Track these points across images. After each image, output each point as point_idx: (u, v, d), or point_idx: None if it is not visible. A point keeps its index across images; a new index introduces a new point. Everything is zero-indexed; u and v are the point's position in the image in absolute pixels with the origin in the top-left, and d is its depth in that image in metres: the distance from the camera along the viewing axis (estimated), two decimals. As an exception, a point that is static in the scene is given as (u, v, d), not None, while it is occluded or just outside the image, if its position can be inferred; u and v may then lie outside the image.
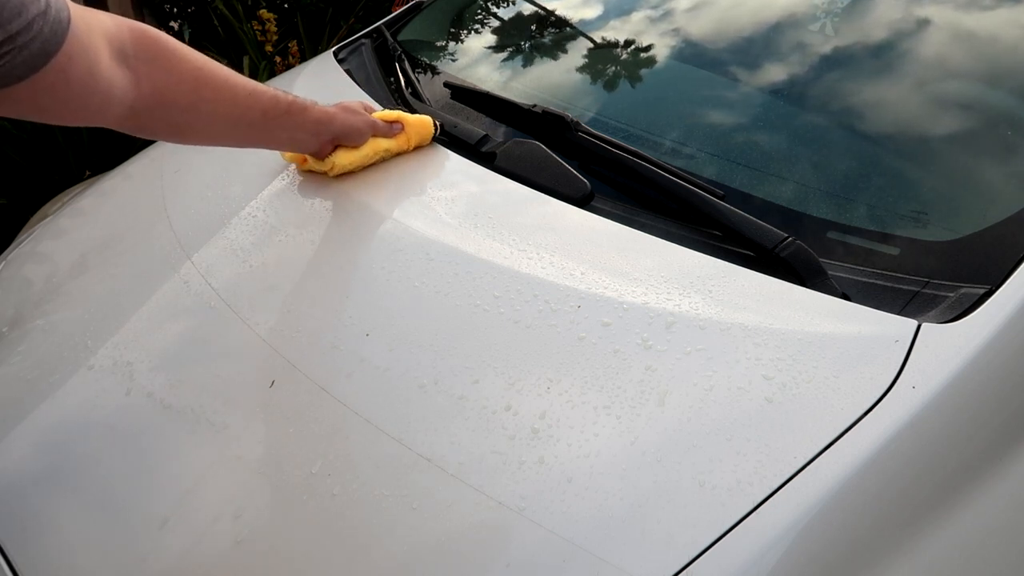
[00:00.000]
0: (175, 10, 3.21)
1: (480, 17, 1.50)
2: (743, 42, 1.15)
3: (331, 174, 0.98)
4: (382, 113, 1.01)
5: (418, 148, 1.04)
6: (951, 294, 0.73)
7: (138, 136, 0.80)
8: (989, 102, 0.98)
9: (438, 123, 1.05)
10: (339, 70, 1.28)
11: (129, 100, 0.71)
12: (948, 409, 0.64)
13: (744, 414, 0.64)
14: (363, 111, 1.00)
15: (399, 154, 1.03)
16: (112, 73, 0.68)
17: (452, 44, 1.44)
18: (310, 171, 1.01)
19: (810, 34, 1.12)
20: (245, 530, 0.64)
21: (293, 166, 1.02)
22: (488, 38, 1.43)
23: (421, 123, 1.02)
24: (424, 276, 0.83)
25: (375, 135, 0.99)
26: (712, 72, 1.14)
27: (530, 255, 0.83)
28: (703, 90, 1.12)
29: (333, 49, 1.39)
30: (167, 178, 1.10)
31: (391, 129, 1.00)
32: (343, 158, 0.97)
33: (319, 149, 0.96)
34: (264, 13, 2.97)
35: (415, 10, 1.51)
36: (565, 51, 1.31)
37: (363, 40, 1.40)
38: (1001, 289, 0.71)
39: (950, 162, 0.91)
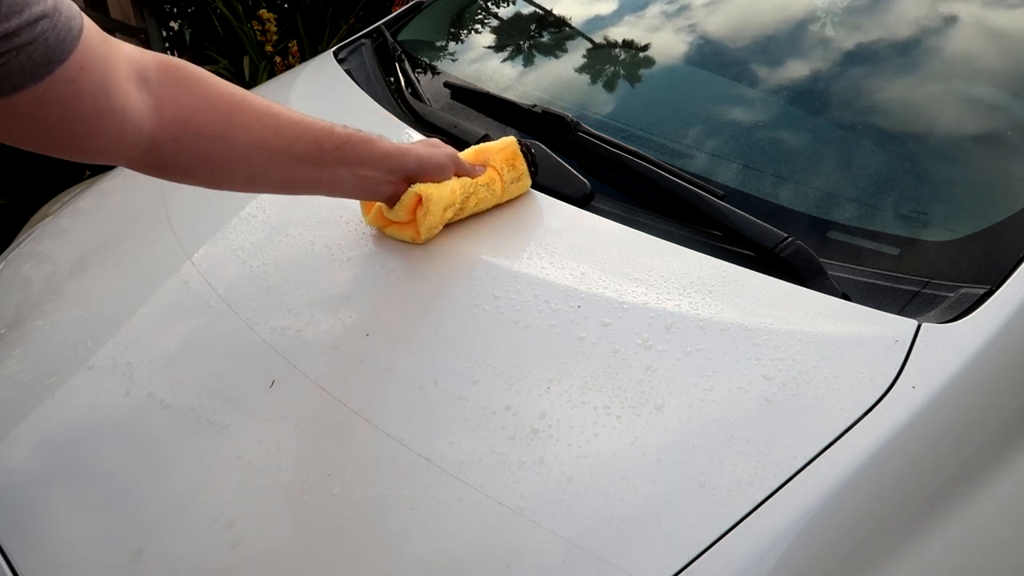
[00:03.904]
0: (175, 10, 3.22)
1: (480, 17, 1.50)
2: (742, 42, 1.15)
3: (421, 238, 0.83)
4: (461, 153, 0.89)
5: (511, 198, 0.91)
6: (951, 294, 0.73)
7: (165, 179, 0.69)
8: (989, 102, 0.98)
9: (525, 148, 0.91)
10: (339, 70, 1.28)
11: (149, 127, 0.62)
12: (948, 409, 0.64)
13: (744, 414, 0.63)
14: (443, 145, 0.86)
15: (494, 204, 0.89)
16: (130, 95, 0.60)
17: (452, 44, 1.44)
18: (394, 237, 0.86)
19: (810, 34, 1.12)
20: (244, 530, 0.64)
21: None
22: (488, 38, 1.43)
23: (504, 150, 0.89)
24: (424, 276, 0.83)
25: (457, 174, 0.85)
26: (712, 72, 1.14)
27: (530, 255, 0.83)
28: (703, 90, 1.12)
29: (333, 49, 1.39)
30: (167, 178, 1.10)
31: (474, 170, 0.87)
32: (428, 191, 0.80)
33: (394, 193, 0.81)
34: (264, 13, 2.97)
35: (415, 10, 1.51)
36: (565, 51, 1.31)
37: (363, 40, 1.40)
38: (1001, 289, 0.71)
39: (950, 162, 0.91)
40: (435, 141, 0.87)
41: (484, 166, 0.88)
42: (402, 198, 0.81)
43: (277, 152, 0.70)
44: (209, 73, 0.68)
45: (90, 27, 0.57)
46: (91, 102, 0.57)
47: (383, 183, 0.80)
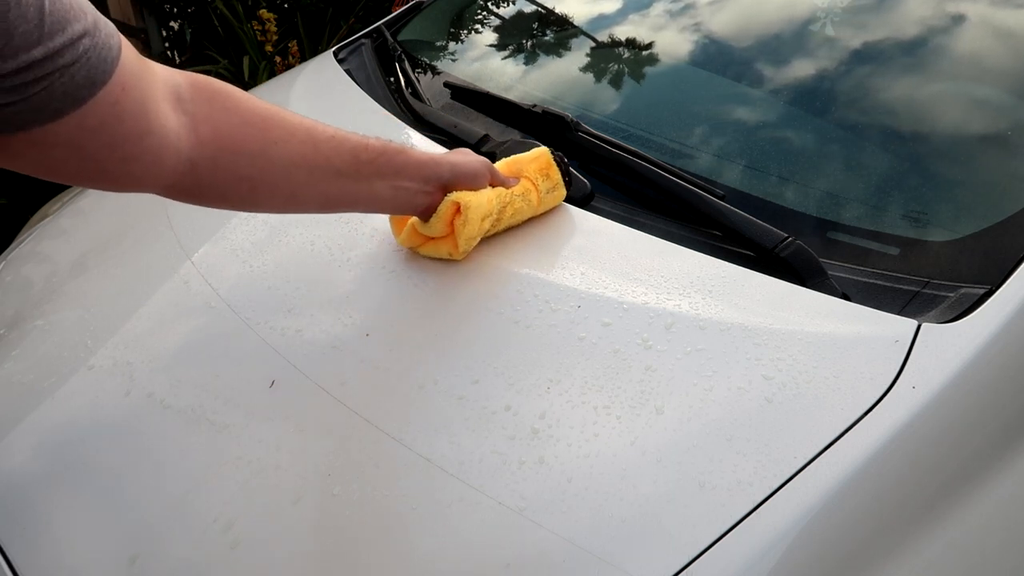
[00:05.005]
0: (175, 10, 3.22)
1: (480, 17, 1.50)
2: (742, 41, 1.15)
3: (459, 251, 0.80)
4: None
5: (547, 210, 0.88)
6: (951, 294, 0.73)
7: (200, 204, 0.66)
8: (989, 101, 0.98)
9: (559, 157, 0.88)
10: (339, 70, 1.28)
11: (187, 148, 0.59)
12: (948, 409, 0.64)
13: (744, 414, 0.64)
14: (474, 154, 0.84)
15: (530, 216, 0.87)
16: (167, 115, 0.57)
17: (452, 44, 1.44)
18: (430, 256, 0.83)
19: (810, 34, 1.12)
20: (244, 530, 0.64)
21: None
22: (488, 38, 1.43)
23: (538, 159, 0.87)
24: (423, 276, 0.83)
25: (491, 184, 0.82)
26: (712, 72, 1.14)
27: (530, 255, 0.83)
28: (703, 90, 1.12)
29: (333, 49, 1.39)
30: (167, 178, 1.10)
31: (508, 180, 0.84)
32: (466, 199, 0.77)
33: (430, 204, 0.78)
34: (264, 13, 2.97)
35: (415, 10, 1.51)
36: (565, 51, 1.31)
37: (363, 40, 1.40)
38: (1001, 289, 0.71)
39: (950, 162, 0.91)
40: (465, 150, 0.85)
41: (518, 177, 0.86)
42: (439, 208, 0.78)
43: (316, 167, 0.67)
44: (239, 89, 0.65)
45: (126, 44, 0.54)
46: (132, 124, 0.54)
47: (419, 193, 0.77)
